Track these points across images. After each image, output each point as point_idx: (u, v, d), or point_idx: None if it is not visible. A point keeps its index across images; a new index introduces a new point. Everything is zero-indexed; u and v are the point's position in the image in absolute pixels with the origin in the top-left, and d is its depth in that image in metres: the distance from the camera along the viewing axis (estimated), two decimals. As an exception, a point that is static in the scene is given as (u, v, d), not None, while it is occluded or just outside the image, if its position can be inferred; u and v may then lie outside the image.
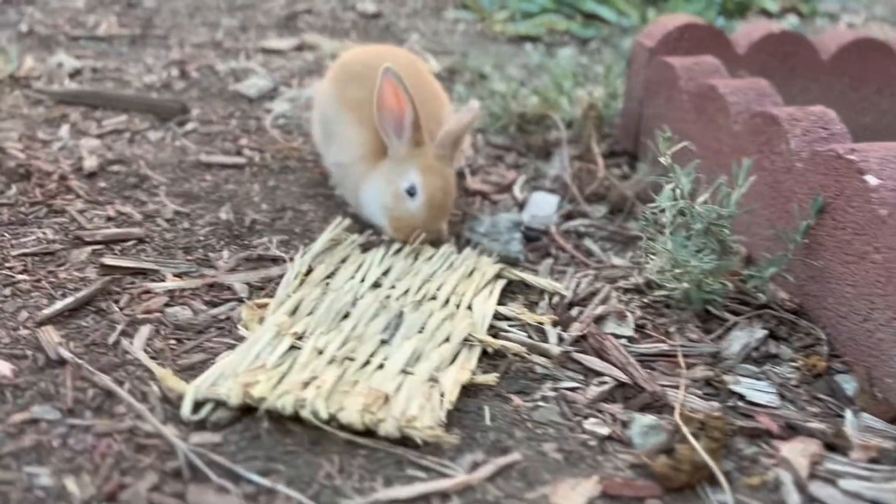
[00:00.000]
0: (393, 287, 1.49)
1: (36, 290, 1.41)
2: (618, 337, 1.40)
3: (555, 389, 1.28)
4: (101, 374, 1.21)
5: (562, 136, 2.06)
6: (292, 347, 1.30)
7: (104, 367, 1.23)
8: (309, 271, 1.53)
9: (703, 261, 1.36)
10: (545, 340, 1.39)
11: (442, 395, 1.22)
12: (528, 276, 1.54)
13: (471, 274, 1.55)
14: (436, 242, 1.64)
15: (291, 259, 1.56)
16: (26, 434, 1.09)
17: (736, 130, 1.74)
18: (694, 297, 1.42)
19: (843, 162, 1.43)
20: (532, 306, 1.49)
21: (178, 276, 1.49)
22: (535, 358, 1.34)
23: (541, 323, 1.43)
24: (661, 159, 1.42)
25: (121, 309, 1.38)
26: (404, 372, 1.27)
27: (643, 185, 1.92)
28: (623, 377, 1.30)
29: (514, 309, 1.47)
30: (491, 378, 1.29)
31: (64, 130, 2.04)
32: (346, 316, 1.40)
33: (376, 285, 1.50)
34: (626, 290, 1.55)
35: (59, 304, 1.35)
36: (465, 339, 1.36)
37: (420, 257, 1.60)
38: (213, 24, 3.10)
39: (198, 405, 1.16)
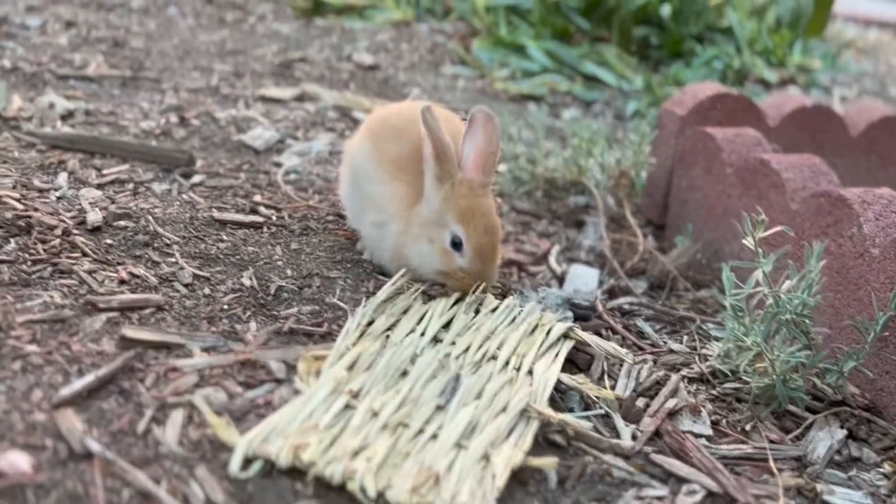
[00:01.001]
0: (453, 343, 1.38)
1: (48, 364, 1.25)
2: (696, 436, 1.28)
3: (640, 498, 1.15)
4: (135, 470, 1.05)
5: (596, 203, 1.96)
6: (347, 406, 1.21)
7: (137, 462, 1.08)
8: (370, 322, 1.42)
9: (794, 355, 1.26)
10: (613, 429, 1.26)
11: (494, 477, 1.11)
12: (596, 340, 1.43)
13: (533, 331, 1.43)
14: (487, 286, 1.54)
15: (353, 310, 1.46)
16: (58, 548, 0.93)
17: (793, 209, 1.65)
18: (780, 394, 1.31)
19: (931, 253, 1.34)
20: (598, 382, 1.38)
21: (206, 350, 1.34)
22: (609, 458, 1.21)
23: (603, 398, 1.32)
24: (747, 242, 1.32)
25: (147, 390, 1.22)
26: (458, 445, 1.17)
27: (685, 259, 1.83)
28: (712, 485, 1.18)
29: (576, 378, 1.35)
30: (550, 462, 1.17)
31: (62, 178, 1.88)
32: (404, 373, 1.30)
33: (436, 340, 1.40)
34: (692, 380, 1.44)
35: (77, 383, 1.19)
36: (523, 411, 1.24)
37: (483, 309, 1.49)
38: (205, 69, 2.96)
39: (247, 461, 1.09)
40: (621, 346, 1.53)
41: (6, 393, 1.17)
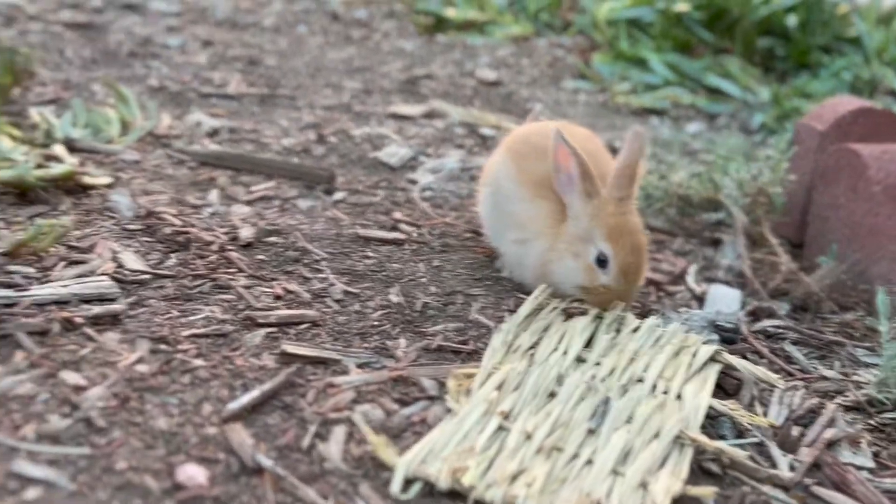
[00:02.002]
0: (598, 364, 1.39)
1: (215, 378, 1.31)
2: (858, 468, 1.25)
3: (805, 533, 1.13)
4: (304, 486, 1.10)
5: (735, 222, 1.93)
6: (500, 428, 1.23)
7: (304, 478, 1.12)
8: (512, 339, 1.45)
9: (958, 387, 1.22)
10: (769, 458, 1.25)
11: None
12: (745, 364, 1.42)
13: (678, 353, 1.42)
14: (627, 305, 1.56)
15: (497, 327, 1.49)
16: (242, 558, 0.98)
17: (950, 232, 1.59)
18: (945, 427, 1.27)
19: None
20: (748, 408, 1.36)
21: (361, 367, 1.39)
22: (768, 489, 1.19)
23: (758, 425, 1.30)
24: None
25: (309, 405, 1.27)
26: (615, 472, 1.17)
27: (829, 281, 1.78)
28: (878, 520, 1.15)
29: (727, 404, 1.34)
30: (709, 491, 1.16)
31: (213, 195, 1.97)
32: (552, 394, 1.31)
33: (580, 360, 1.41)
34: (847, 409, 1.40)
35: (244, 398, 1.25)
36: (677, 437, 1.23)
37: (624, 329, 1.49)
38: (336, 86, 3.05)
39: (407, 482, 1.13)
40: (769, 371, 1.51)
41: (179, 406, 1.24)
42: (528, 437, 1.21)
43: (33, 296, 1.43)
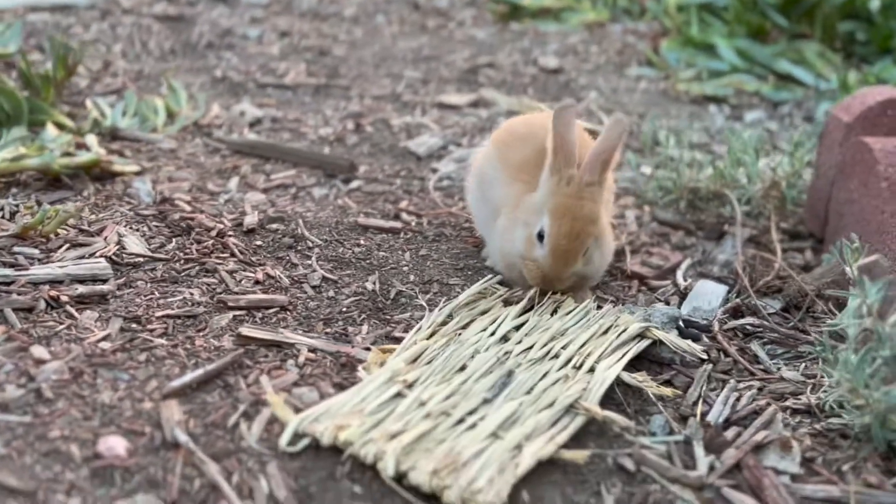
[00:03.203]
0: (520, 342, 1.42)
1: (171, 356, 1.41)
2: (779, 473, 1.22)
3: (694, 532, 1.12)
4: (211, 462, 1.17)
5: (736, 216, 1.88)
6: (399, 395, 1.28)
7: (218, 454, 1.20)
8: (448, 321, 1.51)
9: (889, 395, 1.17)
10: (691, 461, 1.24)
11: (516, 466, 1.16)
12: (672, 339, 1.42)
13: (606, 332, 1.43)
14: (576, 298, 1.57)
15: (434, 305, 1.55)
16: (126, 525, 1.07)
17: (942, 232, 1.51)
18: (876, 435, 1.22)
19: None
20: (676, 409, 1.35)
21: (313, 351, 1.45)
22: (677, 489, 1.19)
23: (666, 396, 1.34)
24: (848, 270, 1.24)
25: (248, 386, 1.35)
26: (494, 435, 1.21)
27: (829, 279, 1.72)
28: (779, 526, 1.13)
29: (636, 377, 1.34)
30: (580, 455, 1.19)
31: (233, 183, 2.08)
32: (462, 368, 1.36)
33: (505, 339, 1.44)
34: (796, 412, 1.36)
35: (187, 377, 1.34)
36: (571, 407, 1.26)
37: (560, 311, 1.51)
38: (396, 76, 3.11)
39: (299, 438, 1.22)
40: (731, 369, 1.48)
41: (128, 381, 1.33)
42: (423, 404, 1.25)
43: (30, 275, 1.56)
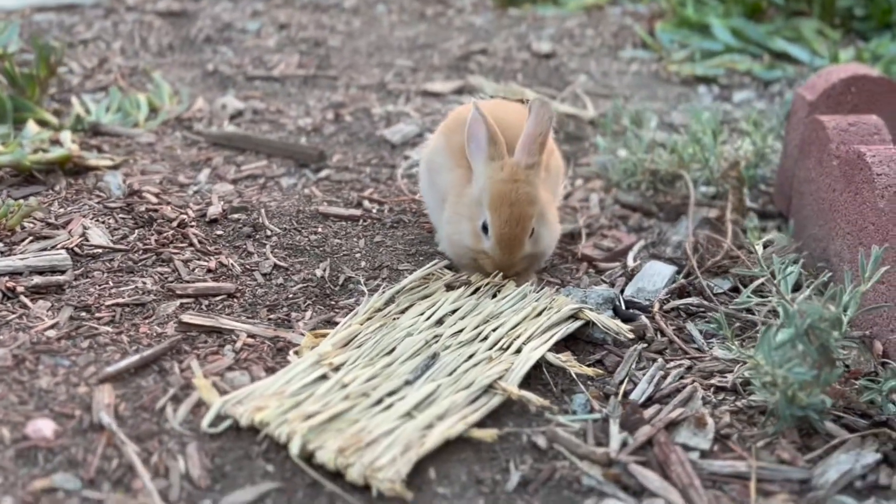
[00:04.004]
0: (453, 325, 1.44)
1: (113, 343, 1.45)
2: (689, 449, 1.23)
3: (595, 508, 1.14)
4: (131, 443, 1.22)
5: (690, 198, 1.88)
6: (323, 377, 1.32)
7: (141, 436, 1.24)
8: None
9: (792, 371, 1.17)
10: (606, 438, 1.25)
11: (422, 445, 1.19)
12: (602, 319, 1.43)
13: (540, 314, 1.45)
14: (519, 281, 1.59)
15: (374, 291, 1.57)
16: (40, 503, 1.11)
17: (880, 207, 1.51)
18: (782, 412, 1.23)
19: None
20: (601, 388, 1.37)
21: (252, 336, 1.49)
22: (585, 465, 1.20)
23: (589, 376, 1.36)
24: (755, 250, 1.24)
25: (181, 371, 1.39)
26: (408, 415, 1.24)
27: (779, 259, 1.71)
28: (680, 502, 1.14)
29: (560, 357, 1.36)
30: (488, 434, 1.21)
31: (203, 174, 2.12)
32: (391, 351, 1.39)
33: (440, 323, 1.47)
34: (720, 389, 1.37)
35: (123, 363, 1.38)
36: (489, 387, 1.28)
37: (500, 294, 1.54)
38: (387, 65, 3.14)
39: (221, 419, 1.26)
40: (665, 349, 1.49)
41: (67, 367, 1.38)
42: (344, 385, 1.29)
43: (-9, 267, 1.62)
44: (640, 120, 2.06)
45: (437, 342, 1.40)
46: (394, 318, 1.48)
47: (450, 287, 1.58)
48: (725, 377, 1.39)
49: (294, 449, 1.17)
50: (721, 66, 3.02)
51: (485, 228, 1.54)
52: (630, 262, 1.73)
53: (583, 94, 2.83)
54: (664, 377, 1.39)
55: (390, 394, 1.29)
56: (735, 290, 1.68)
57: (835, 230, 1.69)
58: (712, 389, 1.37)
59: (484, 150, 1.56)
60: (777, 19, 3.29)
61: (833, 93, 1.94)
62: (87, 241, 1.76)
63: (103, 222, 1.85)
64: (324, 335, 1.45)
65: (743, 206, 1.94)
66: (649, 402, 1.34)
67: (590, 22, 3.68)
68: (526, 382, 1.37)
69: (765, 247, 1.78)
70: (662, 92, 2.88)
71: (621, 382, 1.39)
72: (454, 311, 1.49)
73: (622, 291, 1.64)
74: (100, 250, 1.74)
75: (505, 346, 1.39)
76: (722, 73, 2.99)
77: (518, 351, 1.38)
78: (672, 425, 1.28)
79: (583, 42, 3.43)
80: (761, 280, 1.35)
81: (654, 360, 1.44)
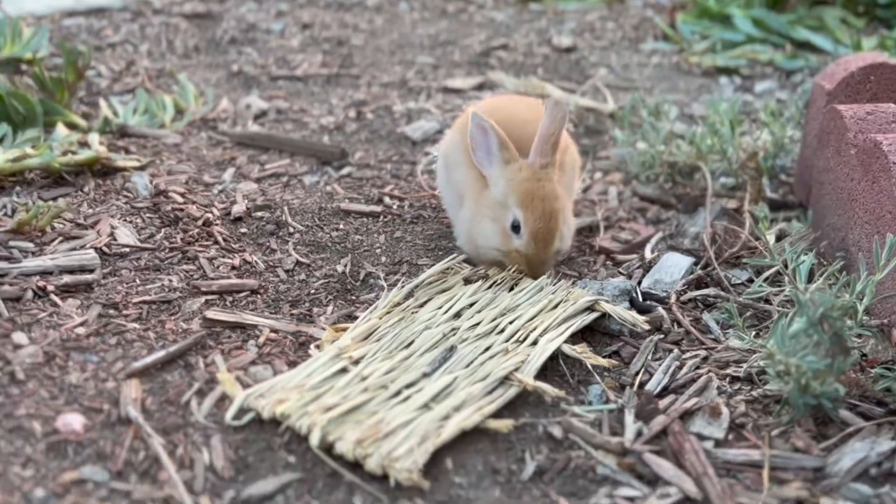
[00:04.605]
0: (470, 318, 1.47)
1: (140, 339, 1.49)
2: (703, 438, 1.25)
3: (609, 497, 1.16)
4: (157, 436, 1.25)
5: (708, 189, 1.88)
6: (343, 370, 1.35)
7: (167, 428, 1.28)
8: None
9: (805, 359, 1.18)
10: (621, 428, 1.27)
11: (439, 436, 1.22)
12: (619, 311, 1.45)
13: (556, 306, 1.47)
14: (537, 275, 1.61)
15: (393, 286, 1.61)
16: (70, 494, 1.15)
17: (897, 197, 1.51)
18: (796, 401, 1.24)
19: None
20: (617, 379, 1.39)
21: (275, 331, 1.52)
22: (600, 455, 1.22)
23: (605, 367, 1.38)
24: (766, 240, 1.25)
25: (206, 366, 1.43)
26: (426, 406, 1.27)
27: (795, 251, 1.72)
28: (692, 490, 1.15)
29: (576, 349, 1.38)
30: (504, 424, 1.24)
31: (228, 174, 2.16)
32: (410, 344, 1.41)
33: (458, 316, 1.49)
34: (736, 379, 1.38)
35: (149, 358, 1.42)
36: (505, 378, 1.31)
37: (515, 289, 1.57)
38: (409, 62, 3.16)
39: (244, 412, 1.30)
40: (682, 340, 1.50)
41: (97, 363, 1.43)
42: (364, 378, 1.32)
43: (23, 267, 1.67)
44: (657, 112, 2.07)
45: (454, 335, 1.42)
46: (412, 312, 1.50)
47: (468, 281, 1.60)
48: (741, 367, 1.40)
49: (314, 440, 1.20)
50: (742, 57, 3.02)
51: (514, 228, 1.55)
52: (648, 254, 1.75)
53: (603, 87, 2.84)
54: (680, 367, 1.41)
55: (408, 386, 1.31)
56: (752, 280, 1.68)
57: (853, 219, 1.69)
58: (728, 379, 1.38)
59: (497, 155, 1.58)
60: (799, 8, 3.28)
61: (852, 81, 1.93)
62: (115, 240, 1.80)
63: (130, 222, 1.89)
64: (344, 329, 1.48)
65: (762, 196, 1.94)
66: (665, 392, 1.36)
67: (611, 15, 3.68)
68: (542, 374, 1.39)
69: (782, 237, 1.79)
70: (683, 84, 2.88)
71: (637, 373, 1.40)
72: (471, 305, 1.51)
73: (639, 283, 1.65)
74: (127, 249, 1.78)
75: (521, 339, 1.42)
76: (744, 64, 2.98)
77: (534, 343, 1.40)
78: (687, 415, 1.29)
79: (603, 35, 3.43)
80: (774, 269, 1.36)
81: (670, 351, 1.46)
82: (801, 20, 3.20)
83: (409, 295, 1.58)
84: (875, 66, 1.93)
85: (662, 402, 1.32)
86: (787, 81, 2.87)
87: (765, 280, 1.67)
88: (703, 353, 1.45)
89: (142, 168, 2.16)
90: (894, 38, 2.97)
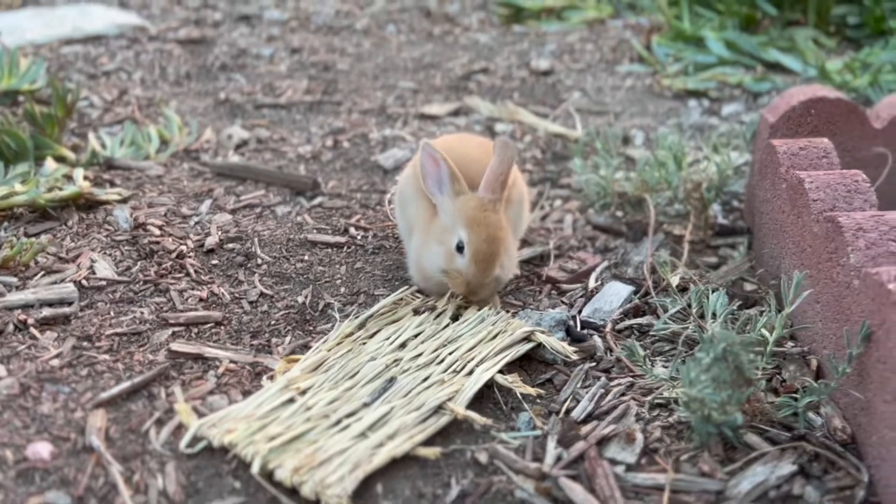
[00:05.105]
0: (414, 349, 1.57)
1: (110, 370, 1.61)
2: (616, 463, 1.35)
3: (522, 519, 1.27)
4: (116, 463, 1.37)
5: (649, 220, 1.98)
6: (291, 401, 1.46)
7: (126, 455, 1.40)
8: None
9: (705, 391, 1.29)
10: (543, 453, 1.38)
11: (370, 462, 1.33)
12: (551, 341, 1.56)
13: (496, 337, 1.58)
14: (482, 304, 1.71)
15: (345, 317, 1.71)
16: (33, 518, 1.27)
17: (815, 231, 1.61)
18: (697, 430, 1.34)
19: (884, 290, 1.29)
20: (547, 406, 1.49)
21: (234, 362, 1.64)
22: (519, 479, 1.33)
23: (532, 396, 1.49)
24: (672, 286, 1.36)
25: (167, 396, 1.54)
26: (362, 435, 1.37)
27: (734, 277, 1.82)
28: (598, 511, 1.26)
29: (507, 378, 1.49)
30: (432, 452, 1.34)
31: (205, 205, 2.28)
32: (355, 375, 1.52)
33: (404, 346, 1.60)
34: (656, 406, 1.48)
35: (115, 389, 1.54)
36: (439, 408, 1.41)
37: (459, 319, 1.68)
38: (390, 87, 3.27)
39: (197, 441, 1.41)
40: (612, 367, 1.61)
41: (67, 394, 1.54)
42: (308, 408, 1.43)
43: (6, 301, 1.79)
44: (609, 143, 2.17)
45: (396, 366, 1.53)
46: (362, 343, 1.61)
47: (416, 312, 1.71)
48: (662, 394, 1.50)
49: (255, 468, 1.31)
50: (713, 79, 3.11)
51: (459, 249, 1.66)
52: (591, 283, 1.85)
53: (574, 111, 2.94)
54: (605, 395, 1.51)
55: (349, 415, 1.42)
56: (690, 306, 1.78)
57: (784, 250, 1.79)
58: (647, 406, 1.48)
59: (448, 185, 1.69)
60: (772, 30, 3.37)
61: (793, 115, 2.03)
62: (94, 273, 1.92)
63: (110, 255, 2.01)
64: (297, 360, 1.59)
65: (709, 224, 2.04)
66: (589, 418, 1.46)
67: (590, 36, 3.78)
68: (478, 401, 1.50)
69: (720, 264, 1.89)
70: (653, 107, 2.98)
71: (565, 400, 1.51)
72: (417, 335, 1.62)
73: (580, 311, 1.76)
74: (104, 282, 1.89)
75: (458, 369, 1.52)
76: (713, 87, 3.08)
77: (470, 373, 1.51)
78: (605, 440, 1.40)
79: (581, 57, 3.53)
80: (679, 307, 1.46)
81: (599, 379, 1.56)
82: (773, 41, 3.29)
83: (363, 325, 1.69)
84: (815, 101, 2.02)
85: (584, 429, 1.43)
86: (755, 104, 2.97)
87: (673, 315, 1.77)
88: (629, 380, 1.55)
89: (123, 201, 2.28)
90: (860, 60, 3.06)
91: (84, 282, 1.89)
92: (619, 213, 2.13)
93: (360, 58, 3.67)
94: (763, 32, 3.38)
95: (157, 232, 2.11)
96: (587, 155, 2.49)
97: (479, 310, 1.69)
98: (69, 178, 2.31)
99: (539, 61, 3.47)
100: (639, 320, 1.72)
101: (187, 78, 3.42)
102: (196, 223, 2.19)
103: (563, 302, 1.81)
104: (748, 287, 1.85)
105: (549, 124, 2.81)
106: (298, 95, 3.17)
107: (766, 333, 1.42)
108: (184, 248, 2.03)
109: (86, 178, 2.35)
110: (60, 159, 2.47)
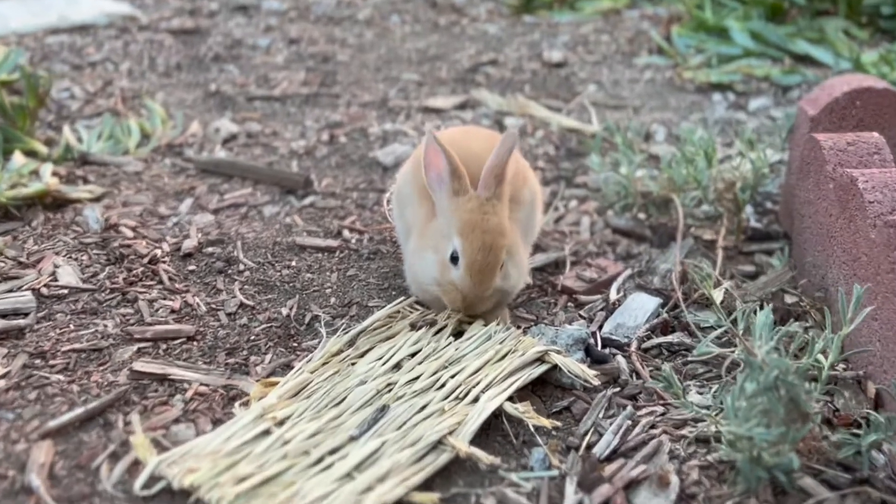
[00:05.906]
0: (411, 370, 1.37)
1: (63, 394, 1.41)
2: (647, 512, 1.14)
3: (535, 580, 1.06)
4: (57, 508, 1.17)
5: (678, 224, 1.77)
6: (266, 433, 1.26)
7: (72, 498, 1.19)
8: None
9: (755, 430, 1.07)
10: (560, 498, 1.17)
11: None
12: (569, 363, 1.34)
13: (504, 357, 1.37)
14: (489, 319, 1.51)
15: (333, 332, 1.50)
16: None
17: (871, 238, 1.39)
18: (744, 473, 1.13)
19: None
20: (564, 439, 1.28)
21: (205, 385, 1.43)
22: (535, 530, 1.12)
23: (547, 428, 1.28)
24: (714, 301, 1.15)
25: (125, 424, 1.34)
26: (348, 476, 1.17)
27: (774, 288, 1.61)
28: (627, 575, 1.05)
29: (519, 408, 1.28)
30: (429, 498, 1.15)
31: (185, 205, 2.08)
32: (341, 402, 1.31)
33: (398, 367, 1.39)
34: (696, 440, 1.27)
35: (67, 416, 1.33)
36: (439, 443, 1.21)
37: (463, 336, 1.47)
38: (393, 80, 3.07)
39: (156, 481, 1.19)
40: (639, 393, 1.40)
41: (12, 421, 1.34)
42: (286, 442, 1.22)
43: (-47, 311, 1.59)
44: (629, 138, 1.96)
45: (389, 391, 1.32)
46: (351, 363, 1.41)
47: (414, 326, 1.50)
48: (696, 427, 1.29)
49: (222, 517, 1.11)
50: (738, 72, 2.90)
51: (453, 259, 1.45)
52: (613, 295, 1.64)
53: (589, 105, 2.73)
54: (632, 427, 1.30)
55: (332, 451, 1.22)
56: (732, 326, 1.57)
57: (832, 258, 1.58)
58: (683, 441, 1.27)
59: (447, 183, 1.48)
60: (800, 20, 3.15)
61: (836, 107, 1.82)
62: (56, 280, 1.72)
63: (76, 259, 1.81)
64: (274, 384, 1.38)
65: (741, 228, 1.83)
66: (614, 455, 1.25)
67: (606, 27, 3.57)
68: (484, 433, 1.29)
69: (758, 274, 1.67)
70: (675, 101, 2.77)
71: (586, 433, 1.30)
72: (414, 355, 1.41)
73: (601, 327, 1.55)
74: (66, 291, 1.69)
75: (461, 395, 1.31)
76: (738, 80, 2.86)
77: (475, 400, 1.30)
78: (633, 483, 1.19)
79: (596, 49, 3.32)
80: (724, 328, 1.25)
81: (625, 407, 1.35)
82: (802, 32, 3.08)
83: (352, 342, 1.48)
84: (861, 91, 1.81)
85: (609, 468, 1.22)
86: (784, 98, 2.75)
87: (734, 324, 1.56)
88: (660, 408, 1.34)
89: (96, 200, 2.07)
90: (894, 52, 2.84)
91: (44, 290, 1.69)
92: (642, 216, 1.92)
93: (362, 49, 3.47)
94: (790, 23, 3.16)
95: (130, 234, 1.91)
96: (605, 151, 2.28)
97: (485, 325, 1.48)
98: (37, 173, 2.11)
99: (551, 53, 3.26)
100: (667, 338, 1.51)
101: (177, 69, 3.22)
102: (174, 224, 1.98)
103: (581, 316, 1.60)
104: (788, 300, 1.64)
105: (562, 118, 2.60)
106: (294, 87, 2.97)
107: (822, 358, 1.21)
108: (158, 251, 1.82)
109: (56, 174, 2.15)
110: (31, 153, 2.26)
